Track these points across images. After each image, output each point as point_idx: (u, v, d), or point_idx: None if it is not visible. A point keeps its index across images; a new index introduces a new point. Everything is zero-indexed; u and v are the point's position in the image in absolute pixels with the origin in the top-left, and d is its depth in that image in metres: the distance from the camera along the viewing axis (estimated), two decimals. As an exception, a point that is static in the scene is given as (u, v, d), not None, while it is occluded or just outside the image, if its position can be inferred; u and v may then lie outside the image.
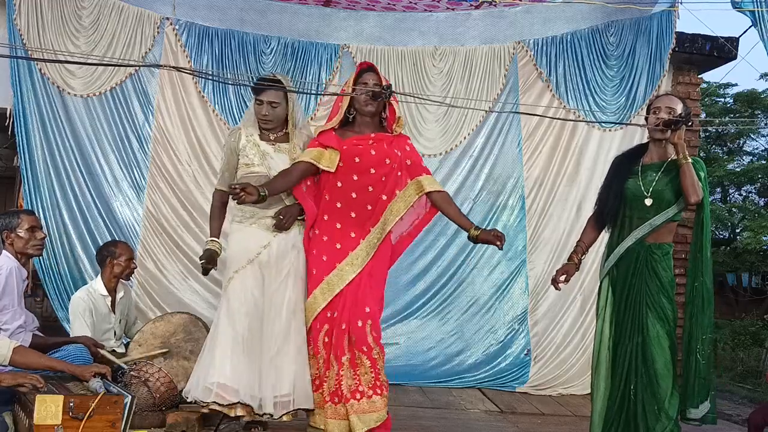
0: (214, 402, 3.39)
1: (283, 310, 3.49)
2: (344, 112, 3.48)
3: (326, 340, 3.40)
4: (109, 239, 5.12)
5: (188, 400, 3.48)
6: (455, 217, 3.54)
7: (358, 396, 3.32)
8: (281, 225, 3.50)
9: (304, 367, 3.47)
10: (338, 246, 3.43)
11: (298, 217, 3.60)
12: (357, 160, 3.41)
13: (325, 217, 3.48)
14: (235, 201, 3.32)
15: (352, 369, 3.35)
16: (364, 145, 3.44)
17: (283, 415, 3.44)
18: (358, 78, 3.48)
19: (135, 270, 4.44)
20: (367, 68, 3.53)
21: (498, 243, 3.33)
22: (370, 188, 3.43)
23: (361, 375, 3.34)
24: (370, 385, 3.33)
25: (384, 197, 3.44)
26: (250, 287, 3.50)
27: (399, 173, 3.49)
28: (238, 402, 3.40)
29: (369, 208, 3.44)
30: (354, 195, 3.43)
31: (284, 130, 3.64)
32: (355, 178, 3.42)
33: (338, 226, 3.45)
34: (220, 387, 3.38)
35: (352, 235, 3.43)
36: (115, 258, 4.21)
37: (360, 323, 3.35)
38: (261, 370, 3.43)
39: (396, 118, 3.51)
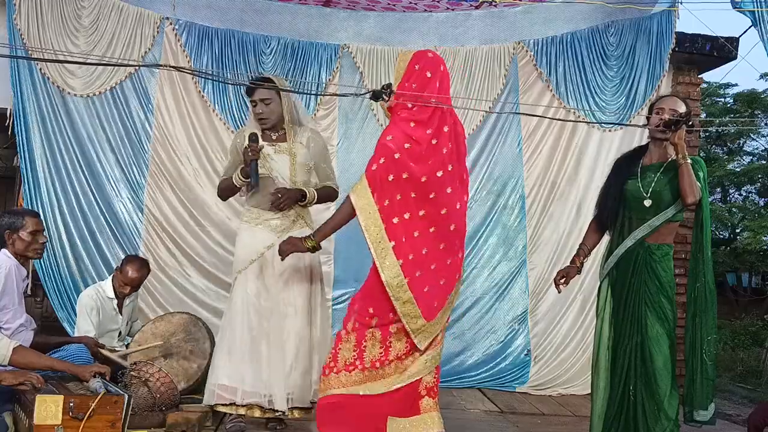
0: (217, 403, 3.53)
1: (288, 312, 3.56)
2: None
3: None
4: (110, 239, 5.20)
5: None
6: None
7: None
8: (277, 203, 3.57)
9: (306, 368, 3.55)
10: None
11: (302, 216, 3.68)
12: None
13: None
14: None
15: None
16: None
17: (294, 410, 3.58)
18: None
19: (133, 292, 4.41)
20: None
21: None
22: None
23: None
24: None
25: None
26: (251, 287, 3.57)
27: None
28: (240, 402, 3.51)
29: None
30: None
31: (284, 129, 3.67)
32: None
33: None
34: (221, 388, 3.49)
35: None
36: (120, 273, 4.29)
37: None
38: (269, 369, 3.51)
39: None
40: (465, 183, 3.24)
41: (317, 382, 3.53)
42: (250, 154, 3.53)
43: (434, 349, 3.20)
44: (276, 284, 3.57)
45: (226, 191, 3.83)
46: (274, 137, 3.69)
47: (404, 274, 3.02)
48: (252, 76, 4.93)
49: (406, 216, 3.05)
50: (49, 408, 2.77)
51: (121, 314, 4.30)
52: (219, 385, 3.52)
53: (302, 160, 3.69)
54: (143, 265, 4.40)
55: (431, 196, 3.06)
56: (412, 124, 3.09)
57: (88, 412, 2.81)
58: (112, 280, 4.26)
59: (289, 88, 3.84)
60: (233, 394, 3.50)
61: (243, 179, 3.63)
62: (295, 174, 3.66)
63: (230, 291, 3.73)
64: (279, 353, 3.54)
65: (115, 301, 4.25)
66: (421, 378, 3.16)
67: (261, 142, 3.64)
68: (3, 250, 3.45)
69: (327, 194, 3.82)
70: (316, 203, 3.79)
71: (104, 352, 3.83)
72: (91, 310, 4.11)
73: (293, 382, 3.55)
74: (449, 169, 3.11)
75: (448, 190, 3.10)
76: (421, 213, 3.06)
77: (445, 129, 3.12)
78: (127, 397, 2.98)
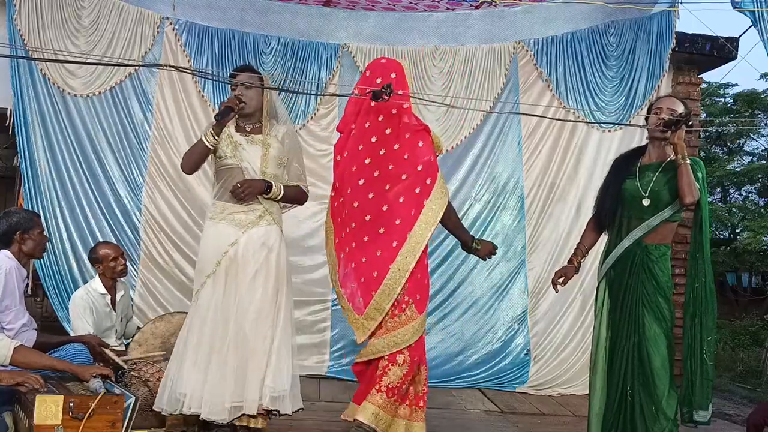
0: (182, 413, 3.41)
1: (249, 314, 3.43)
2: None
3: None
4: (110, 239, 5.15)
5: (155, 410, 3.45)
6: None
7: None
8: (237, 193, 3.45)
9: (265, 373, 3.43)
10: None
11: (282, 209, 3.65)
12: None
13: None
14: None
15: None
16: None
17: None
18: None
19: (126, 267, 4.33)
20: None
21: None
22: None
23: None
24: None
25: None
26: (219, 293, 3.45)
27: None
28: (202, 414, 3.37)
29: None
30: None
31: (260, 122, 3.63)
32: None
33: None
34: (187, 397, 3.37)
35: None
36: (100, 263, 4.23)
37: None
38: (228, 377, 3.39)
39: None
40: (393, 173, 3.24)
41: (272, 388, 3.43)
42: (228, 101, 3.47)
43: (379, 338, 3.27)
44: (242, 284, 3.45)
45: (192, 155, 3.60)
46: (248, 129, 3.61)
47: (335, 273, 3.43)
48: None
49: (339, 220, 3.43)
50: (49, 408, 2.77)
51: (115, 310, 4.29)
52: (182, 393, 3.39)
53: (275, 153, 3.59)
54: (108, 241, 4.55)
55: (348, 191, 3.33)
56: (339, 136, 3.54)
57: (88, 412, 2.81)
58: (100, 277, 4.25)
59: (271, 86, 3.81)
60: (198, 404, 3.37)
61: (213, 133, 3.47)
62: (266, 165, 3.56)
63: (195, 294, 3.53)
64: (224, 363, 3.41)
65: (108, 297, 4.24)
66: (377, 364, 3.25)
67: (236, 133, 3.58)
68: (3, 251, 3.45)
69: (295, 194, 3.65)
70: (282, 200, 3.62)
71: (108, 352, 3.82)
72: (84, 310, 4.10)
73: (255, 389, 3.41)
74: (366, 162, 3.30)
75: (361, 182, 3.31)
76: (345, 213, 3.37)
77: (352, 126, 3.37)
78: (134, 399, 2.99)
